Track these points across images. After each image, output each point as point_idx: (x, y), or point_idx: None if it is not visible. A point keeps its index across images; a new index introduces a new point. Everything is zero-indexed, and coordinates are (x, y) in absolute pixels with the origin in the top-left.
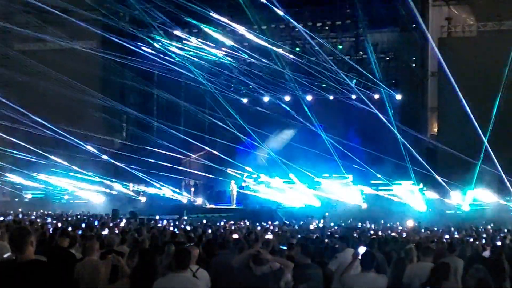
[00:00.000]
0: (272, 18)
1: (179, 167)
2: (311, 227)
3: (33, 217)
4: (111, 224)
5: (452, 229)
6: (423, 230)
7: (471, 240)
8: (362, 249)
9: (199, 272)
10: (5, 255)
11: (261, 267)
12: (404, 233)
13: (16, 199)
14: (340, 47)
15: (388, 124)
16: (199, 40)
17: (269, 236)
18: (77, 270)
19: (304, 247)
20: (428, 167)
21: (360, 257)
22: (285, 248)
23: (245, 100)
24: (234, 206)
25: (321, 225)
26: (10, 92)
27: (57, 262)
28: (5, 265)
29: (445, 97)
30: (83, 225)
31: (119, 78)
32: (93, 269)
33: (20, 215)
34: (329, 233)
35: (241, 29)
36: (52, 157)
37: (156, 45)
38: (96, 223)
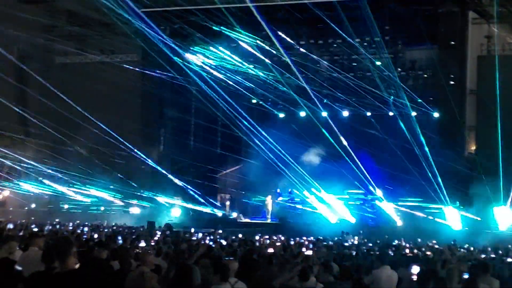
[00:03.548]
0: (310, 34)
1: (215, 179)
2: (347, 244)
3: (70, 227)
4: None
5: (489, 248)
6: (459, 249)
7: (509, 260)
8: (415, 269)
9: (238, 285)
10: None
11: (307, 282)
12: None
13: (54, 209)
14: (379, 63)
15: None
16: (237, 54)
17: (308, 252)
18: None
19: (326, 266)
20: (465, 186)
21: (416, 276)
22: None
23: (281, 115)
24: (269, 221)
25: (356, 242)
26: (51, 103)
27: (96, 274)
28: (46, 274)
29: (483, 116)
30: (119, 237)
31: (158, 91)
32: (142, 280)
33: (58, 226)
34: (365, 250)
35: (278, 44)
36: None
37: (195, 58)
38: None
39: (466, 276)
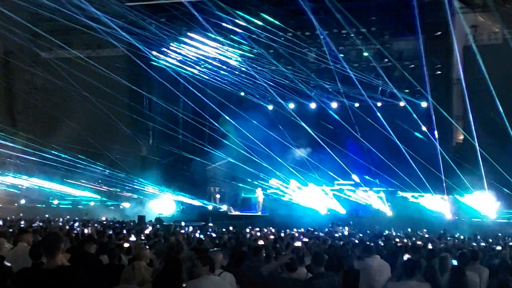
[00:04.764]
0: (297, 25)
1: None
2: (337, 235)
3: (60, 223)
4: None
5: (479, 237)
6: (449, 238)
7: (499, 248)
8: (406, 257)
9: (223, 275)
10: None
11: (296, 273)
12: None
13: (43, 205)
14: (366, 54)
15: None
16: (225, 45)
17: (298, 243)
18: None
19: (316, 256)
20: (454, 175)
21: (402, 265)
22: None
23: (270, 107)
24: (259, 213)
25: (346, 232)
26: (38, 98)
27: (84, 269)
28: (34, 270)
29: (470, 105)
30: (110, 232)
31: (146, 85)
32: (133, 272)
33: (47, 221)
34: (356, 241)
35: (266, 35)
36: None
37: (181, 50)
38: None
39: (454, 262)
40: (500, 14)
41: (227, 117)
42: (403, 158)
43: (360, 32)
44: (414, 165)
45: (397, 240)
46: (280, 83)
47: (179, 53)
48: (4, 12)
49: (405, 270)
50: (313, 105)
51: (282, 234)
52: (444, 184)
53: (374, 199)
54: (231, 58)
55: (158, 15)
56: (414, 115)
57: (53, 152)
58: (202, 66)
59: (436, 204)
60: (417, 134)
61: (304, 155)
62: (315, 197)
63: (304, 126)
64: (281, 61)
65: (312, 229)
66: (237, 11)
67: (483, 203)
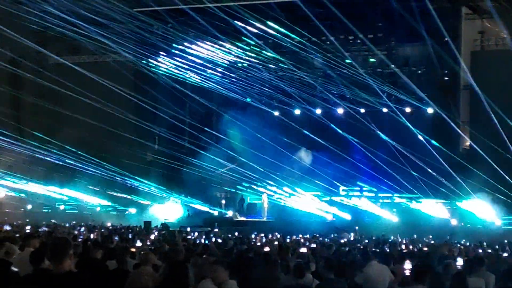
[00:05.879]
0: (304, 31)
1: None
2: (342, 241)
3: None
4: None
5: (485, 244)
6: (456, 244)
7: (505, 255)
8: (407, 264)
9: None
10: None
11: (303, 279)
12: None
13: (49, 210)
14: (372, 60)
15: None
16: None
17: (303, 249)
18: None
19: (328, 262)
20: (460, 182)
21: (409, 272)
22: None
23: (276, 113)
24: (265, 219)
25: (352, 238)
26: (45, 103)
27: (91, 274)
28: (42, 275)
29: (477, 111)
30: (116, 238)
31: (152, 90)
32: (139, 278)
33: (54, 226)
34: (361, 247)
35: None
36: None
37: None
38: (128, 235)
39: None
40: (507, 20)
41: (233, 122)
42: (409, 164)
43: (367, 38)
44: (420, 171)
45: (403, 246)
46: (286, 89)
47: (186, 58)
48: (12, 17)
49: (415, 276)
50: (318, 111)
51: (288, 240)
52: (450, 190)
53: (380, 205)
54: (238, 64)
55: (165, 21)
56: (421, 121)
57: (59, 154)
58: (208, 71)
59: (442, 210)
60: (423, 140)
61: (310, 161)
62: (320, 203)
63: (309, 132)
64: (287, 67)
65: (317, 235)
66: (244, 17)
67: (489, 209)
